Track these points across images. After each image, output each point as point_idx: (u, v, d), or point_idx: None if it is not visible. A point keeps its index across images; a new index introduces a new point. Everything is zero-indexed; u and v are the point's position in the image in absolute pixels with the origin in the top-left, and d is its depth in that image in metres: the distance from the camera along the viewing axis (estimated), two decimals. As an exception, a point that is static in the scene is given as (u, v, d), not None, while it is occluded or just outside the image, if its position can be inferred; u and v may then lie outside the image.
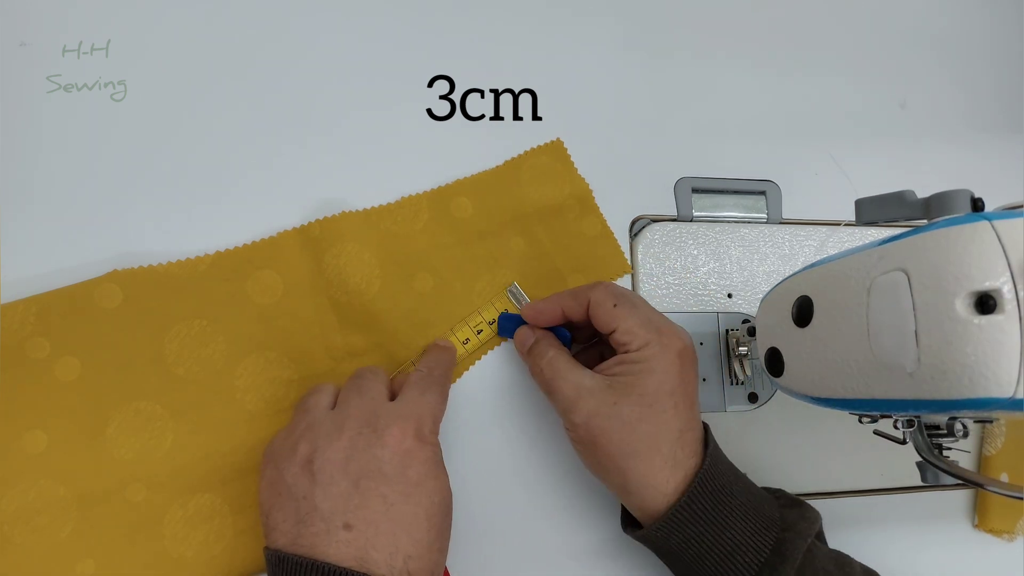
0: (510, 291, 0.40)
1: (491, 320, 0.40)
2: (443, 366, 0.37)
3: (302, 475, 0.29)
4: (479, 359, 0.40)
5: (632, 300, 0.35)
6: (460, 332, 0.40)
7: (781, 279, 0.35)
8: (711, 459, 0.33)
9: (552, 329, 0.38)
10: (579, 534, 0.39)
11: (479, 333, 0.40)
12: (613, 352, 0.35)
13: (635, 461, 0.32)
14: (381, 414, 0.31)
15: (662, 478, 0.32)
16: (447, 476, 0.32)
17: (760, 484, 0.36)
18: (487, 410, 0.40)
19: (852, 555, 0.35)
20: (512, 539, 0.39)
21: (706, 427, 0.36)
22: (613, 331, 0.35)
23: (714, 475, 0.33)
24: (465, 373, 0.40)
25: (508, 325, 0.40)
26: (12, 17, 0.39)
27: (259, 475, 0.31)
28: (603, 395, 0.33)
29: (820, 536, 0.35)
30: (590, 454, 0.34)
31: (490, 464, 0.39)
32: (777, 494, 0.36)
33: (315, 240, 0.38)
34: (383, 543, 0.28)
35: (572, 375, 0.34)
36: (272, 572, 0.28)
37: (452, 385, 0.39)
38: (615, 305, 0.35)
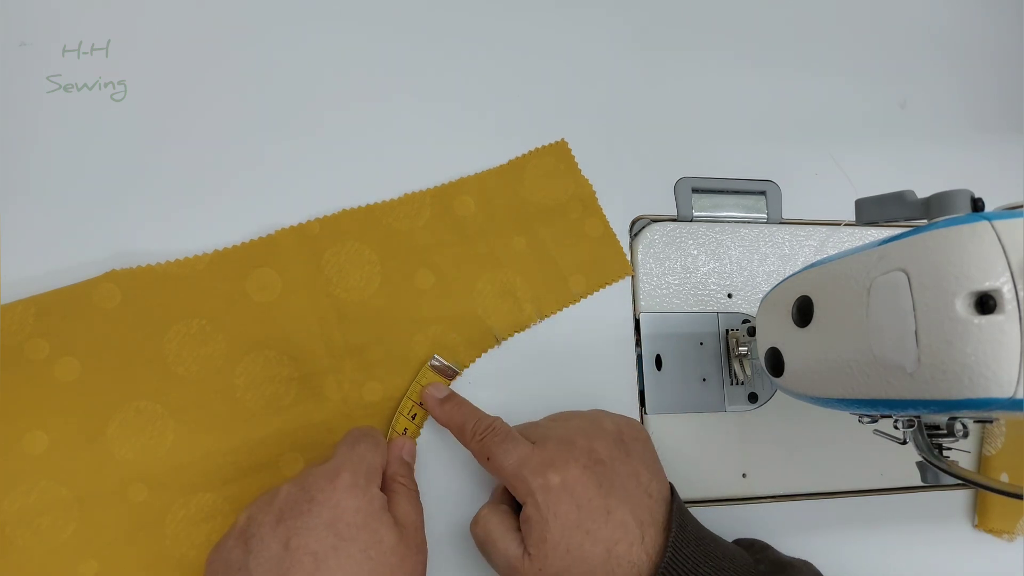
0: (432, 365, 0.39)
1: (420, 400, 0.39)
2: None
3: (237, 546, 0.29)
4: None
5: (505, 444, 0.33)
6: (398, 425, 0.38)
7: (781, 279, 0.35)
8: (668, 560, 0.31)
9: None
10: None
11: (414, 418, 0.38)
12: None
13: None
14: (311, 473, 0.31)
15: None
16: (396, 528, 0.31)
17: (760, 486, 0.35)
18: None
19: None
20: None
21: (672, 504, 0.33)
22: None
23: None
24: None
25: None
26: (12, 17, 0.39)
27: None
28: (529, 566, 0.32)
29: None
30: None
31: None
32: (759, 556, 0.34)
33: (314, 238, 0.38)
34: None
35: (501, 543, 0.33)
36: None
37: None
38: (488, 459, 0.34)
